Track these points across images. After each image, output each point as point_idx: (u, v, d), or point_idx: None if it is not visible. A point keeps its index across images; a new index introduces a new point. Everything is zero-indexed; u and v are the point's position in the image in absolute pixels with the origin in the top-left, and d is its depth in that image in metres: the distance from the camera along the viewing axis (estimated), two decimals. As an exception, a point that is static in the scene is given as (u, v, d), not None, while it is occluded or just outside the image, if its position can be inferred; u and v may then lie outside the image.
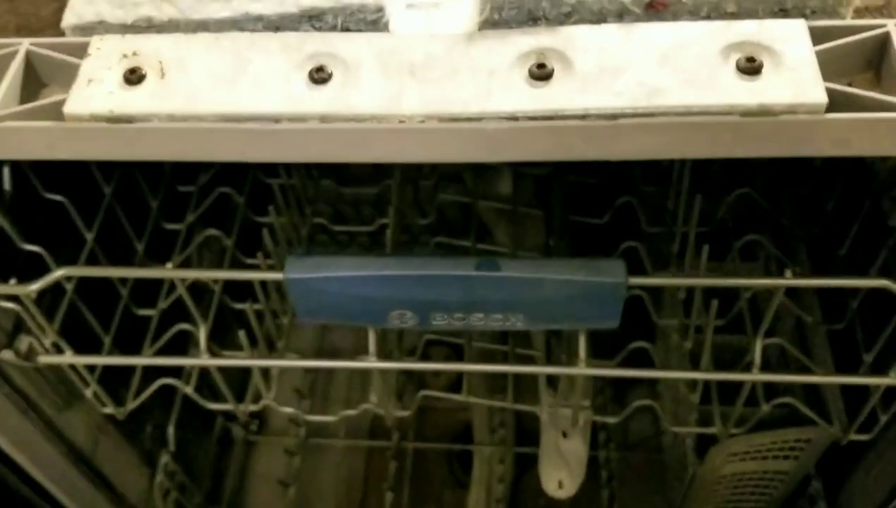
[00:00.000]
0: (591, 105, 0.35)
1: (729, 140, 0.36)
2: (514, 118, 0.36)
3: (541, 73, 0.37)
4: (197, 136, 0.37)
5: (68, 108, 0.38)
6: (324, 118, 0.37)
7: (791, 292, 0.59)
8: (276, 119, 0.37)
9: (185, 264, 0.63)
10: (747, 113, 0.35)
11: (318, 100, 0.37)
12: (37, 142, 0.37)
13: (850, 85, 0.39)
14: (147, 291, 0.66)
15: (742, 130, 0.35)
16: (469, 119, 0.36)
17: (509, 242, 0.73)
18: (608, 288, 0.48)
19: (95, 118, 0.38)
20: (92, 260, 0.60)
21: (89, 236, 0.59)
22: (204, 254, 0.76)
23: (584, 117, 0.36)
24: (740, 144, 0.36)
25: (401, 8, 0.41)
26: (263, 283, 0.60)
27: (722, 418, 0.61)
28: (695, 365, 0.59)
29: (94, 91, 0.38)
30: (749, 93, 0.35)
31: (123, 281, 0.65)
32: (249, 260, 0.68)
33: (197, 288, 0.59)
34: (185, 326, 0.61)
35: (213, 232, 0.63)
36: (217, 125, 0.37)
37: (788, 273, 0.49)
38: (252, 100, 0.37)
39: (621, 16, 0.39)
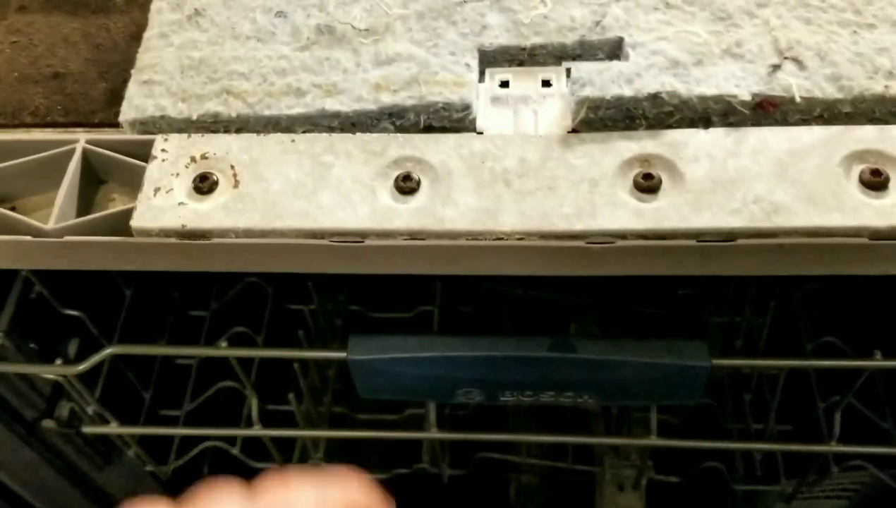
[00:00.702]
0: (705, 224, 0.33)
1: (855, 260, 0.33)
2: (621, 236, 0.33)
3: (648, 185, 0.34)
4: (276, 251, 0.35)
5: (136, 222, 0.35)
6: (413, 234, 0.34)
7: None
8: (363, 235, 0.34)
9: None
10: (876, 235, 0.32)
11: (406, 214, 0.34)
12: (102, 256, 0.34)
13: (972, 190, 0.36)
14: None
15: (870, 252, 0.33)
16: (572, 236, 0.34)
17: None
18: (691, 371, 0.46)
19: (166, 233, 0.35)
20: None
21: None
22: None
23: (698, 237, 0.33)
24: (865, 265, 0.33)
25: (486, 103, 0.38)
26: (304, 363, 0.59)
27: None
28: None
29: (163, 202, 0.35)
30: (877, 213, 0.32)
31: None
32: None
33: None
34: (228, 383, 0.60)
35: (240, 329, 0.61)
36: (298, 241, 0.34)
37: (878, 354, 0.47)
38: (335, 213, 0.34)
39: (727, 116, 0.36)
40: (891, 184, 0.33)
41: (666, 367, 0.46)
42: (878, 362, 0.47)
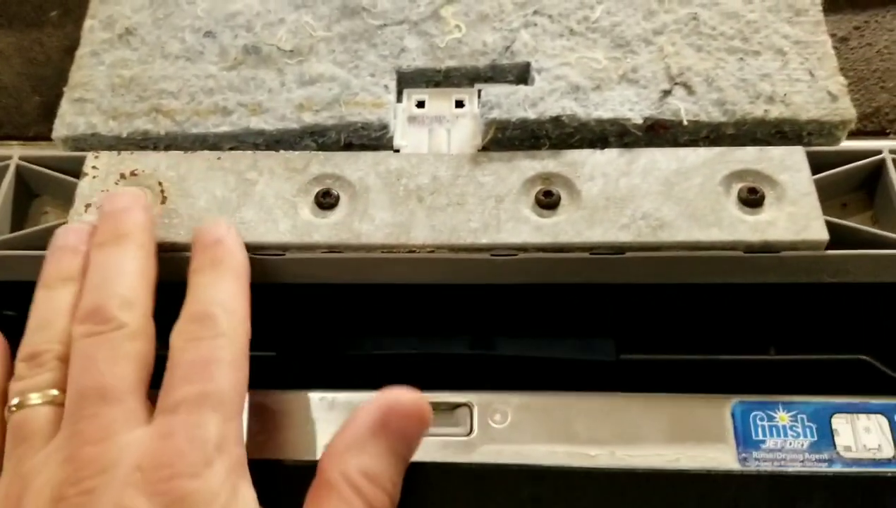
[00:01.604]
0: (598, 239, 0.36)
1: (731, 271, 0.36)
2: (523, 249, 0.36)
3: (548, 201, 0.37)
4: (202, 264, 0.37)
5: (68, 237, 0.37)
6: (332, 248, 0.36)
7: None
8: (284, 248, 0.37)
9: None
10: (750, 249, 0.36)
11: (326, 229, 0.37)
12: (34, 269, 0.36)
13: (844, 205, 0.40)
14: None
15: (744, 264, 0.36)
16: (478, 249, 0.36)
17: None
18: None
19: (96, 246, 0.37)
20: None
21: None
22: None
23: (591, 250, 0.36)
24: (741, 274, 0.37)
25: (403, 122, 0.41)
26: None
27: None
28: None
29: (94, 217, 0.37)
30: (752, 229, 0.36)
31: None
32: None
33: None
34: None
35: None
36: (223, 254, 0.37)
37: (772, 350, 0.51)
38: (258, 228, 0.37)
39: (622, 137, 0.39)
40: (766, 202, 0.36)
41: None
42: (771, 356, 0.51)
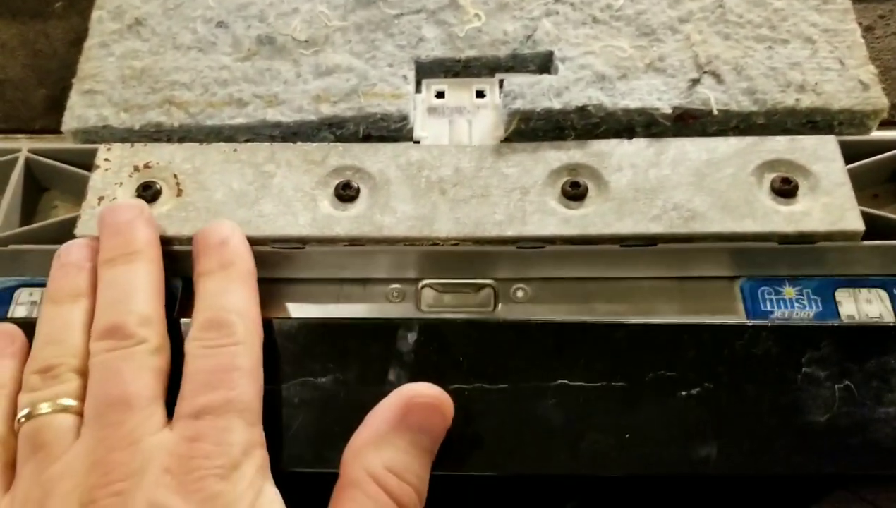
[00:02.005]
0: (628, 230, 0.35)
1: (765, 263, 0.35)
2: (550, 241, 0.35)
3: (575, 193, 0.36)
4: (218, 259, 0.36)
5: (80, 230, 0.35)
6: (353, 241, 0.35)
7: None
8: (304, 242, 0.35)
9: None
10: (785, 240, 0.35)
11: (346, 222, 0.35)
12: (44, 263, 0.34)
13: (875, 196, 0.39)
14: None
15: (779, 255, 0.35)
16: (504, 241, 0.35)
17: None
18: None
19: (110, 241, 0.36)
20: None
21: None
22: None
23: (621, 242, 0.35)
24: (774, 268, 0.36)
25: (423, 113, 0.40)
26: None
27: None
28: None
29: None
30: (786, 220, 0.35)
31: None
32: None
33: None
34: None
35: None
36: (241, 248, 0.35)
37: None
38: (277, 221, 0.35)
39: (650, 127, 0.38)
40: (799, 192, 0.35)
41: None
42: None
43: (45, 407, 0.30)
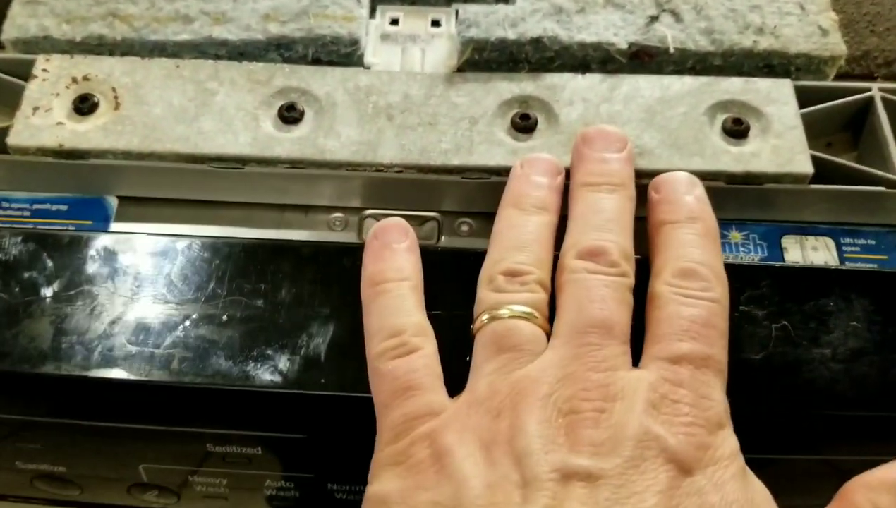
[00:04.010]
0: (575, 163, 0.34)
1: (713, 205, 0.35)
2: (496, 172, 0.34)
3: (524, 125, 0.35)
4: (155, 176, 0.35)
5: (13, 140, 0.34)
6: (294, 163, 0.34)
7: None
8: (243, 161, 0.34)
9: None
10: (732, 180, 0.34)
11: (288, 143, 0.35)
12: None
13: (829, 145, 0.38)
14: None
15: (727, 197, 0.35)
16: (449, 170, 0.35)
17: None
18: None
19: (43, 152, 0.35)
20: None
21: None
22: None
23: (568, 175, 0.34)
24: (720, 209, 0.35)
25: (375, 39, 0.39)
26: None
27: None
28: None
29: (41, 121, 0.35)
30: (735, 160, 0.34)
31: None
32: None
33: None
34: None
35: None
36: (178, 165, 0.34)
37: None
38: (216, 139, 0.34)
39: (605, 63, 0.37)
40: (750, 134, 0.35)
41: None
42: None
43: (510, 310, 0.29)
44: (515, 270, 0.30)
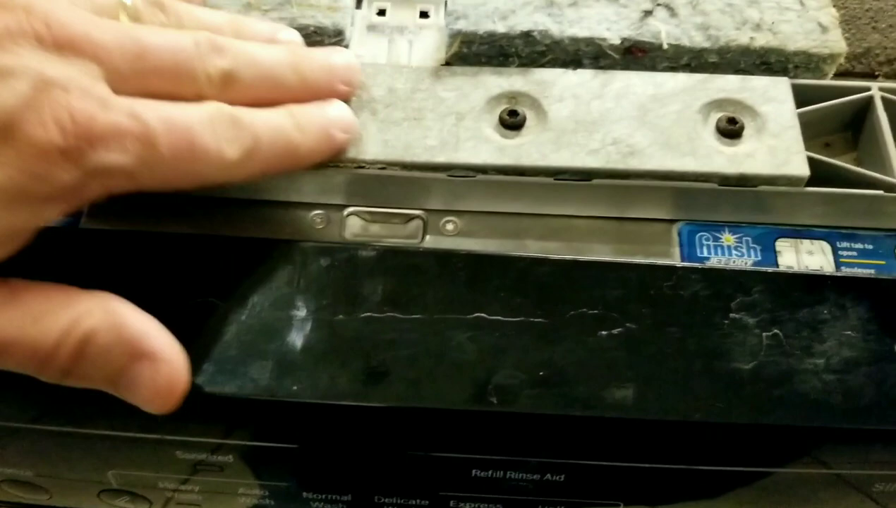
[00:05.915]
0: (563, 163, 0.33)
1: (704, 205, 0.34)
2: (482, 170, 0.33)
3: (512, 122, 0.34)
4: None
5: None
6: (274, 158, 0.33)
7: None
8: (221, 156, 0.33)
9: None
10: (725, 182, 0.33)
11: (269, 138, 0.33)
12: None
13: (827, 145, 0.37)
14: None
15: (720, 199, 0.33)
16: (434, 168, 0.33)
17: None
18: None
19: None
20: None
21: None
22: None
23: (555, 175, 0.33)
24: (713, 211, 0.34)
25: (361, 30, 0.38)
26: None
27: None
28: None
29: None
30: (729, 160, 0.33)
31: None
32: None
33: None
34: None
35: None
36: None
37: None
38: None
39: (597, 59, 0.36)
40: (745, 133, 0.34)
41: None
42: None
43: None
44: None
